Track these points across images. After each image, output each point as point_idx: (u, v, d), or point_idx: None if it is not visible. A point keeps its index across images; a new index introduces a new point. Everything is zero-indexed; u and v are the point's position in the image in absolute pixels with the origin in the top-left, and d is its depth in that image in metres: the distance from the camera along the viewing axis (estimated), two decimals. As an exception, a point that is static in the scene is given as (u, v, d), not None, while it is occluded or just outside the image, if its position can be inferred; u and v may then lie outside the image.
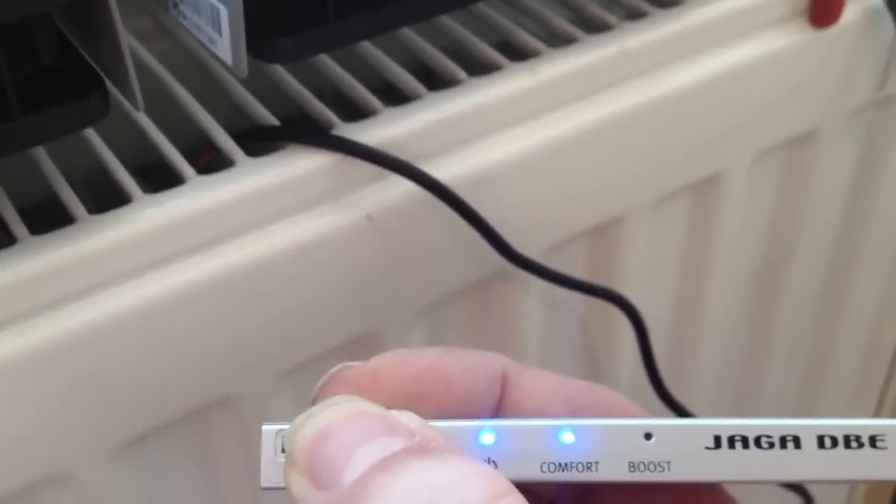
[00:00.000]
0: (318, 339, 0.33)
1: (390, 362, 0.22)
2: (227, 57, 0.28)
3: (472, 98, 0.34)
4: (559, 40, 0.37)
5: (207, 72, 0.36)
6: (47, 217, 0.30)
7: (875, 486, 0.68)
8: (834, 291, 0.51)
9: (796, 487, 0.44)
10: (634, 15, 0.38)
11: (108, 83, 0.28)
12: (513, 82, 0.34)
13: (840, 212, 0.48)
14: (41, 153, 0.32)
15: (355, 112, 0.34)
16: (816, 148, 0.43)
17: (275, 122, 0.33)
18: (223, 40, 0.27)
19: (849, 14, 0.40)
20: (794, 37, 0.39)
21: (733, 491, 0.24)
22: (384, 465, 0.18)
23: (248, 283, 0.31)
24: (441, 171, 0.33)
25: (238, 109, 0.34)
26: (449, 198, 0.32)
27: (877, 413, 0.61)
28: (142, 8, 0.38)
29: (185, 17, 0.29)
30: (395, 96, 0.34)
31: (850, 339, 0.55)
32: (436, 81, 0.35)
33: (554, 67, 0.35)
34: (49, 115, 0.26)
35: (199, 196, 0.30)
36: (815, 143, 0.43)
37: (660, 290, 0.43)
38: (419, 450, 0.18)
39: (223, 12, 0.27)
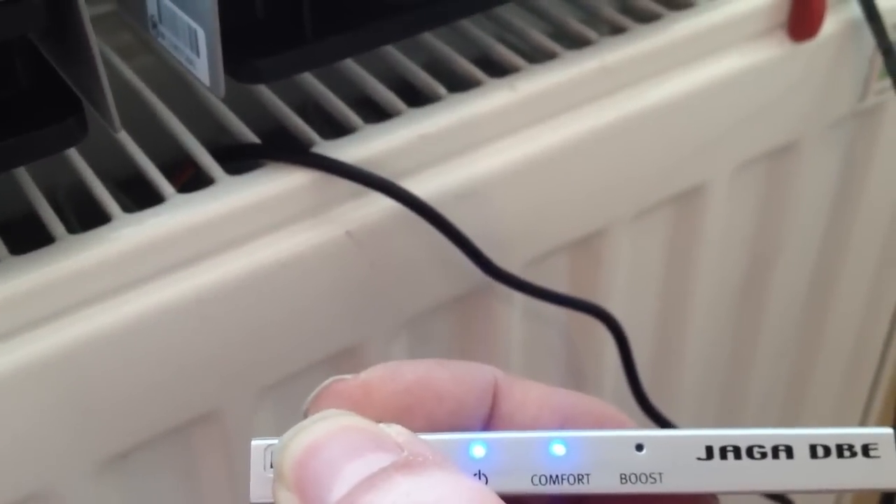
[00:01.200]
0: (300, 355, 0.33)
1: (381, 375, 0.22)
2: (205, 77, 0.28)
3: (453, 114, 0.34)
4: (539, 56, 0.37)
5: (188, 88, 0.36)
6: (27, 232, 0.30)
7: (863, 493, 0.68)
8: (817, 301, 0.51)
9: (780, 497, 0.45)
10: (614, 30, 0.38)
11: (86, 104, 0.28)
12: (493, 98, 0.35)
13: (822, 223, 0.48)
14: (21, 170, 0.32)
15: (336, 126, 0.34)
16: (797, 160, 0.44)
17: (255, 139, 0.33)
18: (201, 61, 0.28)
19: (828, 27, 0.40)
20: (774, 50, 0.40)
21: (724, 502, 0.24)
22: (370, 483, 0.18)
23: (229, 300, 0.31)
24: (421, 186, 0.33)
25: (218, 125, 0.35)
26: (429, 214, 0.32)
27: (862, 423, 0.61)
28: (123, 24, 0.38)
29: (163, 37, 0.29)
30: (375, 109, 0.35)
31: (834, 349, 0.55)
32: (416, 97, 0.35)
33: (534, 83, 0.35)
34: (27, 138, 0.26)
35: (179, 214, 0.30)
36: (797, 154, 0.43)
37: (642, 302, 0.43)
38: (406, 465, 0.18)
39: (200, 34, 0.27)
